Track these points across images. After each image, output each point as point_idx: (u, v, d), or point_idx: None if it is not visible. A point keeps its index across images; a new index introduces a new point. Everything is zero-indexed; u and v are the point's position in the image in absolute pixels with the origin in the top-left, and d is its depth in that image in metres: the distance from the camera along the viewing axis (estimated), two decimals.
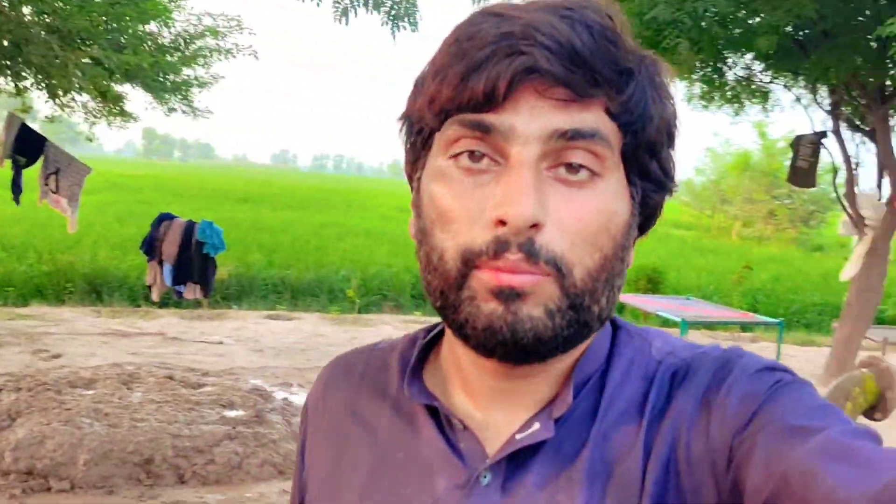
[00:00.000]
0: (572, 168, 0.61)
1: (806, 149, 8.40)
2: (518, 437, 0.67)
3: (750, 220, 26.03)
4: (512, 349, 0.62)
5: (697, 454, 0.62)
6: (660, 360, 0.69)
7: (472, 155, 0.62)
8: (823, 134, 8.48)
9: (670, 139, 0.66)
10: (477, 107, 0.61)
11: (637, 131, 0.63)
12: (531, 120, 0.60)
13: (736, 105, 9.65)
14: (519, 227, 0.59)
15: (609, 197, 0.62)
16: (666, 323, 9.55)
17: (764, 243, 23.64)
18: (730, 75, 9.05)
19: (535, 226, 0.59)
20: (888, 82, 7.81)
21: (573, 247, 0.61)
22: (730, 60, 8.73)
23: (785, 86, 9.19)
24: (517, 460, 0.66)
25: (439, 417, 0.71)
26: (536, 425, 0.66)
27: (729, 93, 9.40)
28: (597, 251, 0.62)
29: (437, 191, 0.64)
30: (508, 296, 0.60)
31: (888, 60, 6.60)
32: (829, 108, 8.57)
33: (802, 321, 11.02)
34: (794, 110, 9.87)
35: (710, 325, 9.35)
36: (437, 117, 0.63)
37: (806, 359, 8.97)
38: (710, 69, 8.60)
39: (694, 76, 8.90)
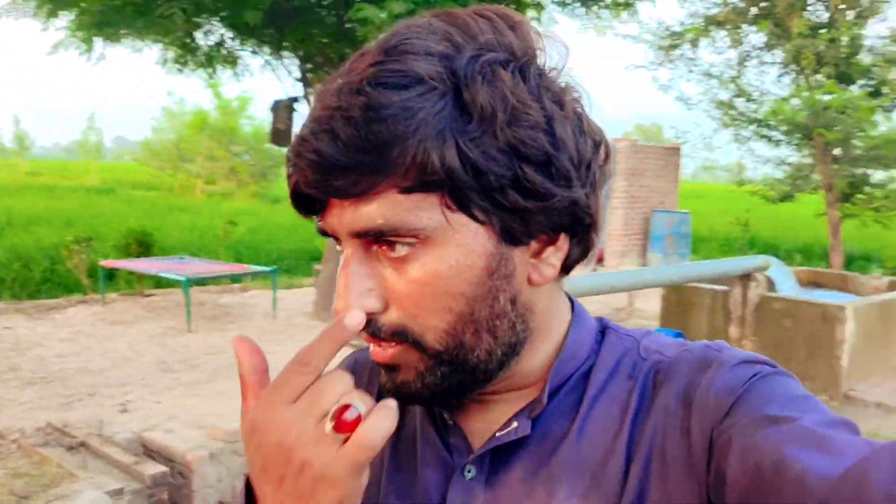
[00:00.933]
0: (390, 248, 0.62)
1: (283, 112, 9.35)
2: (498, 434, 0.70)
3: (212, 177, 26.85)
4: (411, 404, 0.68)
5: (680, 452, 0.63)
6: (646, 359, 0.70)
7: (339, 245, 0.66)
8: (296, 99, 9.52)
9: (523, 158, 0.61)
10: (311, 215, 0.66)
11: (453, 183, 0.60)
12: (339, 223, 0.62)
13: (209, 69, 10.15)
14: (351, 326, 0.61)
15: (440, 262, 0.61)
16: (165, 283, 9.74)
17: (229, 198, 24.71)
18: (204, 41, 9.51)
19: (370, 313, 0.63)
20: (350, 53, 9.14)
21: (415, 318, 0.63)
22: (205, 28, 9.19)
23: (253, 52, 9.99)
24: (500, 456, 0.70)
25: (435, 414, 0.75)
26: (515, 423, 0.69)
27: (203, 58, 9.86)
28: (445, 313, 0.63)
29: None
30: (388, 368, 0.67)
31: (355, 37, 7.74)
32: (300, 75, 9.63)
33: (283, 267, 12.20)
34: (264, 75, 10.78)
35: (204, 282, 9.83)
36: None
37: (294, 299, 10.08)
38: (183, 35, 8.94)
39: (167, 40, 9.16)
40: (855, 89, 12.77)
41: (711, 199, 28.19)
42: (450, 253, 0.62)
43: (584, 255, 0.70)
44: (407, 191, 0.59)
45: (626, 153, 13.99)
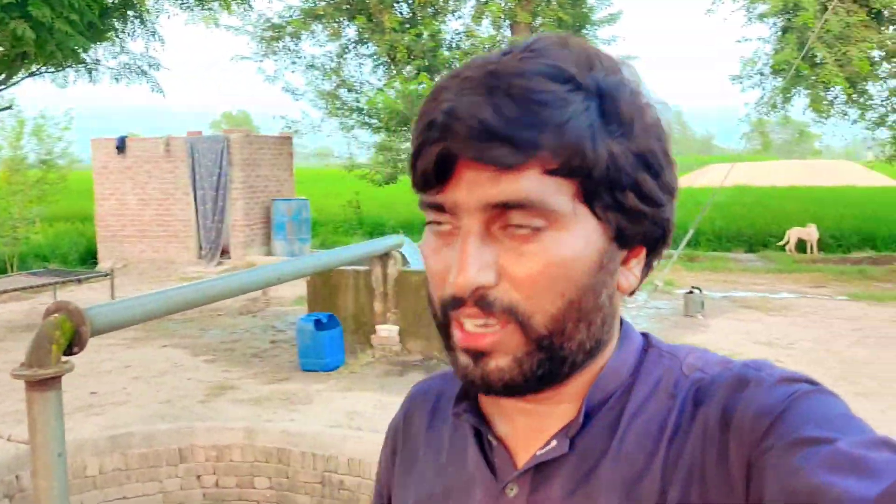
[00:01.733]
0: (519, 226, 0.64)
1: None
2: (538, 453, 0.71)
3: None
4: (493, 393, 0.69)
5: (719, 474, 0.63)
6: (688, 377, 0.70)
7: (438, 224, 0.68)
8: None
9: (646, 165, 0.66)
10: (428, 189, 0.67)
11: (588, 176, 0.64)
12: (469, 194, 0.64)
13: None
14: (464, 292, 0.64)
15: (563, 246, 0.64)
16: None
17: None
18: None
19: (482, 287, 0.64)
20: None
21: (529, 298, 0.65)
22: None
23: None
24: (542, 474, 0.71)
25: (482, 435, 0.77)
26: (554, 443, 0.70)
27: None
28: (557, 298, 0.65)
29: (424, 250, 0.70)
30: (476, 355, 0.67)
31: None
32: None
33: None
34: None
35: None
36: (415, 190, 0.69)
37: None
38: None
39: None
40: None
41: (326, 183, 29.33)
42: (573, 240, 0.65)
43: (645, 276, 0.73)
44: (551, 172, 0.63)
45: (241, 144, 13.99)
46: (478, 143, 0.62)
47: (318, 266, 6.84)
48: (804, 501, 0.54)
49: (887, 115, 12.78)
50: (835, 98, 12.51)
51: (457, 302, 0.66)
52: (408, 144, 15.23)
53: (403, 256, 8.08)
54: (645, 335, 0.77)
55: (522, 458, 0.73)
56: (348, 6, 14.22)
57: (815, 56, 11.01)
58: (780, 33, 13.02)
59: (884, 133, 13.13)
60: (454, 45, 14.90)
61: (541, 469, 0.71)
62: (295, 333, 7.54)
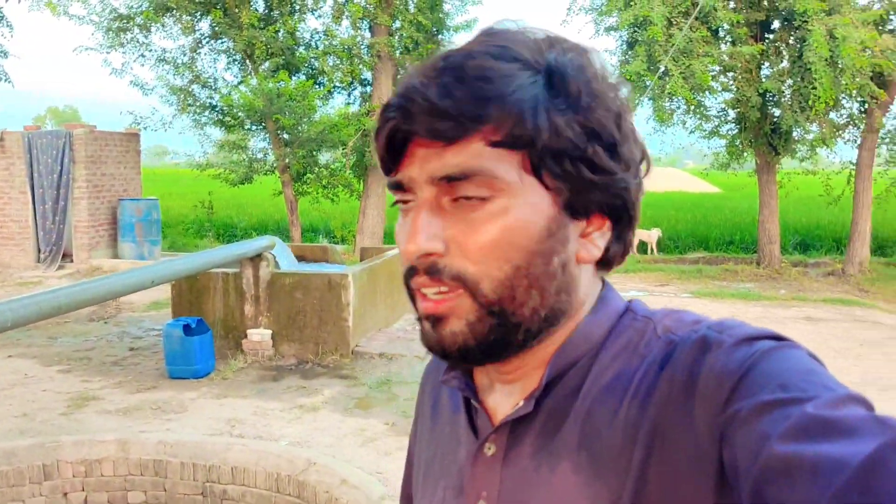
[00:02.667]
0: (466, 197, 0.68)
1: None
2: (509, 414, 0.75)
3: None
4: (450, 358, 0.73)
5: (684, 440, 0.62)
6: (660, 338, 0.70)
7: (403, 203, 0.73)
8: None
9: (596, 137, 0.68)
10: (389, 171, 0.72)
11: (534, 146, 0.66)
12: (420, 169, 0.69)
13: None
14: (411, 258, 0.70)
15: (508, 214, 0.67)
16: None
17: None
18: None
19: (433, 254, 0.69)
20: None
21: (476, 264, 0.68)
22: None
23: None
24: (515, 434, 0.74)
25: (468, 400, 0.82)
26: (521, 404, 0.74)
27: None
28: (504, 263, 0.68)
29: (396, 228, 0.76)
30: (433, 320, 0.71)
31: None
32: None
33: None
34: None
35: None
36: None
37: None
38: None
39: None
40: (299, 79, 14.08)
41: (166, 183, 27.97)
42: (519, 208, 0.68)
43: (623, 252, 0.76)
44: (494, 144, 0.66)
45: (85, 140, 13.08)
46: (425, 119, 0.66)
47: (192, 268, 6.54)
48: (778, 471, 0.53)
49: (721, 126, 13.80)
50: (676, 109, 13.36)
51: (411, 271, 0.71)
52: (264, 144, 14.87)
53: (275, 258, 7.88)
54: (628, 302, 0.78)
55: (499, 420, 0.77)
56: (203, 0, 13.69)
57: (661, 68, 11.72)
58: (624, 46, 13.78)
59: (717, 142, 14.15)
60: (313, 45, 14.70)
61: (514, 430, 0.74)
62: (157, 339, 7.17)
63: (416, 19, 14.01)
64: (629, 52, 13.36)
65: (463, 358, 0.72)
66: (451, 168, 0.67)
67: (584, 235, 0.72)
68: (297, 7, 14.47)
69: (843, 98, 12.42)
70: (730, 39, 12.74)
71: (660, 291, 12.22)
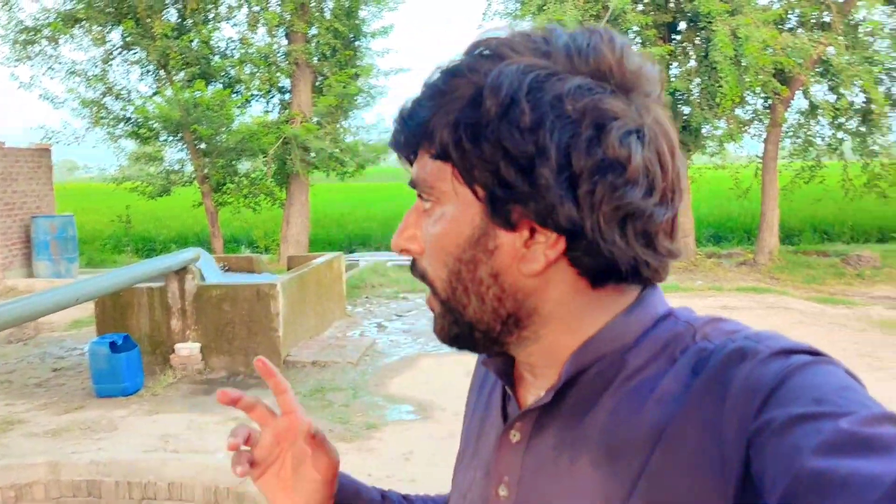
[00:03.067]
0: (423, 202, 0.76)
1: None
2: (530, 404, 0.77)
3: None
4: (447, 345, 0.79)
5: (708, 448, 0.62)
6: (696, 345, 0.70)
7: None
8: None
9: (503, 152, 0.67)
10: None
11: (461, 158, 0.70)
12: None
13: None
14: (396, 252, 0.79)
15: (440, 220, 0.74)
16: None
17: None
18: None
19: (407, 251, 0.78)
20: None
21: (430, 265, 0.76)
22: None
23: None
24: (539, 424, 0.76)
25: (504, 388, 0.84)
26: (542, 394, 0.76)
27: None
28: (442, 266, 0.74)
29: None
30: (431, 309, 0.79)
31: None
32: None
33: None
34: None
35: None
36: None
37: None
38: None
39: None
40: (216, 87, 13.89)
41: (90, 198, 27.05)
42: (448, 216, 0.73)
43: (606, 268, 0.70)
44: (433, 157, 0.72)
45: None
46: (399, 132, 0.76)
47: (117, 284, 6.42)
48: (809, 486, 0.52)
49: None
50: None
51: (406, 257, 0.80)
52: (182, 154, 14.63)
53: (200, 271, 7.79)
54: (670, 308, 0.77)
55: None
56: (113, 10, 13.36)
57: None
58: None
59: None
60: (229, 53, 14.53)
61: (539, 419, 0.76)
62: (81, 359, 7.01)
63: (333, 26, 14.01)
64: None
65: (450, 345, 0.78)
66: (413, 176, 0.76)
67: (525, 245, 0.71)
68: (212, 15, 14.28)
69: (748, 95, 12.98)
70: (639, 41, 13.17)
71: None
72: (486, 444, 0.83)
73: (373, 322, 9.97)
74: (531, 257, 0.71)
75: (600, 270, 0.71)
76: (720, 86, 11.71)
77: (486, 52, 0.71)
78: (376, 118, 15.38)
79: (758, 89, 12.23)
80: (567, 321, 0.74)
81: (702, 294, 11.46)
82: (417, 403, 6.51)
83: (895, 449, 0.52)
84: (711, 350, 0.68)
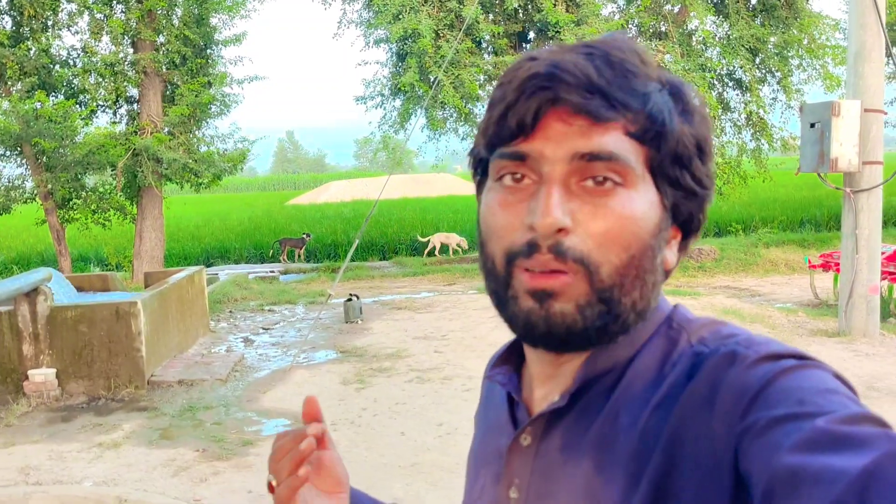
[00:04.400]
0: (598, 181, 0.69)
1: None
2: (544, 407, 0.78)
3: None
4: (550, 340, 0.73)
5: (704, 451, 0.64)
6: (691, 349, 0.72)
7: (513, 176, 0.72)
8: None
9: (701, 152, 0.73)
10: (514, 138, 0.71)
11: (660, 147, 0.70)
12: (557, 145, 0.69)
13: None
14: (545, 232, 0.68)
15: (633, 204, 0.70)
16: None
17: None
18: None
19: (561, 231, 0.69)
20: None
21: (599, 248, 0.69)
22: None
23: None
24: (548, 427, 0.77)
25: (511, 395, 0.85)
26: (556, 398, 0.77)
27: None
28: (623, 251, 0.70)
29: (488, 208, 0.74)
30: (542, 296, 0.70)
31: None
32: None
33: None
34: None
35: None
36: (488, 149, 0.75)
37: None
38: None
39: None
40: (59, 99, 13.15)
41: None
42: (641, 200, 0.71)
43: (676, 263, 0.78)
44: (631, 135, 0.69)
45: None
46: (582, 93, 0.68)
47: None
48: (784, 481, 0.54)
49: None
50: (448, 117, 14.02)
51: (531, 248, 0.69)
52: (21, 170, 13.73)
53: (52, 291, 7.36)
54: (675, 307, 0.79)
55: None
56: None
57: (433, 79, 12.27)
58: (395, 58, 14.25)
59: None
60: (72, 62, 13.77)
61: (549, 423, 0.77)
62: None
63: (183, 34, 13.56)
64: (400, 64, 13.84)
65: (565, 339, 0.72)
66: (597, 147, 0.68)
67: (671, 237, 0.76)
68: (51, 23, 13.48)
69: None
70: (492, 50, 13.59)
71: (449, 290, 12.77)
72: (496, 451, 0.84)
73: (239, 336, 9.75)
74: (672, 253, 0.76)
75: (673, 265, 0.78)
76: None
77: (640, 54, 0.73)
78: (231, 127, 14.93)
79: None
80: (649, 313, 0.77)
81: None
82: (293, 416, 6.45)
83: (868, 445, 0.53)
84: (706, 355, 0.70)
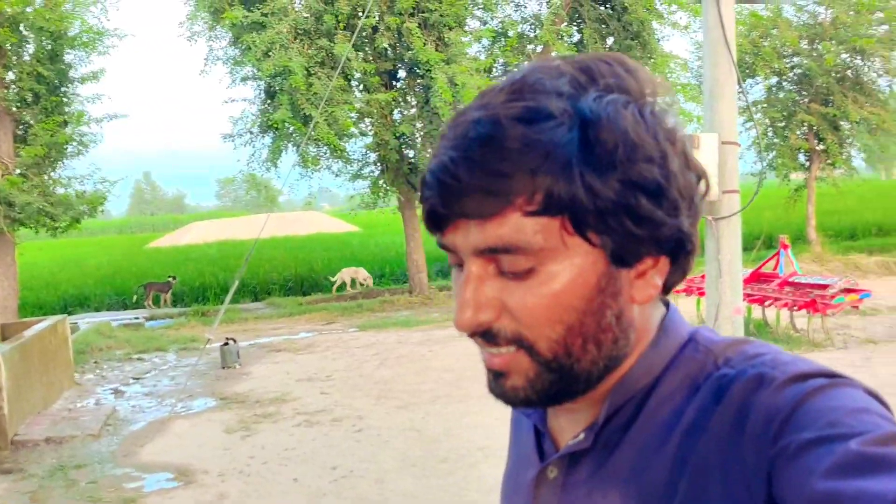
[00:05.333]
0: (511, 265, 0.67)
1: None
2: (569, 443, 0.77)
3: None
4: (516, 407, 0.77)
5: (735, 474, 0.63)
6: (717, 372, 0.70)
7: (453, 261, 0.73)
8: None
9: (640, 189, 0.66)
10: (435, 232, 0.71)
11: (573, 210, 0.65)
12: (464, 240, 0.68)
13: None
14: (464, 331, 0.70)
15: (556, 279, 0.67)
16: None
17: None
18: None
19: (482, 324, 0.69)
20: None
21: (530, 327, 0.68)
22: None
23: None
24: (573, 461, 0.77)
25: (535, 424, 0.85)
26: (581, 436, 0.75)
27: None
28: (557, 324, 0.68)
29: (453, 283, 0.75)
30: (496, 374, 0.72)
31: None
32: None
33: None
34: None
35: None
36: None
37: None
38: None
39: None
40: None
41: None
42: (565, 271, 0.67)
43: (682, 277, 0.74)
44: (531, 214, 0.65)
45: None
46: (457, 200, 0.66)
47: None
48: None
49: (363, 168, 14.65)
50: (322, 154, 13.92)
51: (469, 334, 0.71)
52: None
53: None
54: (694, 329, 0.77)
55: (562, 446, 0.80)
56: None
57: (306, 116, 12.17)
58: (263, 95, 14.05)
59: (362, 183, 14.98)
60: None
61: (574, 456, 0.77)
62: None
63: (35, 70, 12.82)
64: (269, 102, 13.65)
65: (527, 406, 0.73)
66: (493, 241, 0.66)
67: (638, 277, 0.71)
68: None
69: None
70: (363, 88, 13.64)
71: (328, 329, 12.56)
72: (524, 482, 0.84)
73: (107, 388, 9.20)
74: (646, 287, 0.71)
75: (673, 283, 0.75)
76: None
77: (563, 88, 0.67)
78: (90, 168, 14.18)
79: None
80: (640, 345, 0.75)
81: (441, 325, 12.02)
82: (176, 469, 6.11)
83: None
84: (732, 377, 0.68)
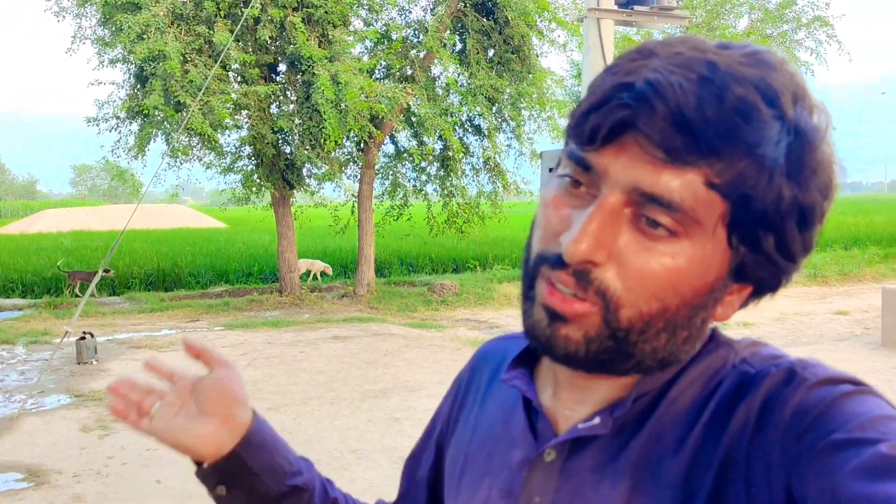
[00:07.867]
0: (651, 222, 0.63)
1: None
2: (580, 426, 0.72)
3: None
4: (548, 354, 0.69)
5: (756, 468, 0.62)
6: (736, 368, 0.69)
7: (574, 181, 0.66)
8: None
9: (803, 217, 0.64)
10: (585, 144, 0.64)
11: (747, 205, 0.62)
12: (624, 170, 0.62)
13: None
14: (570, 259, 0.63)
15: (685, 258, 0.63)
16: None
17: None
18: None
19: (589, 262, 0.63)
20: None
21: (629, 290, 0.64)
22: None
23: None
24: (578, 446, 0.73)
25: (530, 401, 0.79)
26: (597, 420, 0.71)
27: None
28: (655, 300, 0.64)
29: (544, 199, 0.69)
30: (553, 315, 0.66)
31: None
32: None
33: None
34: None
35: None
36: (566, 137, 0.68)
37: None
38: None
39: None
40: None
41: None
42: (697, 257, 0.63)
43: (729, 316, 0.72)
44: (711, 185, 0.61)
45: None
46: (666, 127, 0.60)
47: None
48: None
49: (236, 161, 14.20)
50: (194, 144, 13.40)
51: (558, 263, 0.65)
52: None
53: None
54: (713, 329, 0.75)
55: (563, 427, 0.76)
56: None
57: (180, 102, 11.70)
58: (133, 80, 13.39)
59: (233, 177, 14.51)
60: None
61: (578, 440, 0.73)
62: None
63: None
64: (139, 87, 13.03)
65: (563, 361, 0.69)
66: (661, 190, 0.61)
67: (731, 294, 0.69)
68: None
69: (344, 137, 13.84)
70: (241, 79, 13.25)
71: (193, 327, 12.10)
72: (505, 463, 0.79)
73: None
74: (731, 303, 0.70)
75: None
76: (322, 127, 12.28)
77: (776, 72, 0.63)
78: None
79: (356, 132, 13.09)
80: (682, 361, 0.73)
81: (312, 326, 11.83)
82: (26, 469, 5.72)
83: None
84: (753, 375, 0.67)
